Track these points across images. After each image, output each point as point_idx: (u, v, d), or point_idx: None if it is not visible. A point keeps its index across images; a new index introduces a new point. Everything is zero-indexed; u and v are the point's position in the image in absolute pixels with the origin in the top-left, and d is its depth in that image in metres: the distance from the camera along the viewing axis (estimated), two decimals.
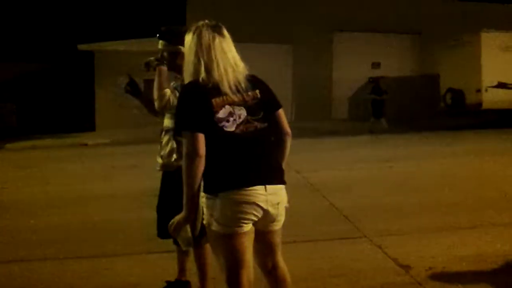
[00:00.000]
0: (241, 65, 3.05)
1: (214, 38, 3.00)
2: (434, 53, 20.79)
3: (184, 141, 2.91)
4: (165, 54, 4.07)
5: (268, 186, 2.91)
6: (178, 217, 3.01)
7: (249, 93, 3.01)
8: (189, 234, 3.14)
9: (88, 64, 21.92)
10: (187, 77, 3.04)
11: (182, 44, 3.78)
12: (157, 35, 4.12)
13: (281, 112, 3.14)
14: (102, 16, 26.75)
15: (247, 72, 3.06)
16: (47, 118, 23.38)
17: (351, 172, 9.28)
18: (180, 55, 3.89)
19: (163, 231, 4.10)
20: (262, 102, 3.03)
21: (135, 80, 4.55)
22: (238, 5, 20.50)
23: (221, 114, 2.91)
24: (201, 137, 2.88)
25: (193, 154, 2.87)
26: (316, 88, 21.41)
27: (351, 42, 22.18)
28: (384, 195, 7.42)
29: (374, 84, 18.83)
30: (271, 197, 2.93)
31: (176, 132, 3.09)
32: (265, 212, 2.91)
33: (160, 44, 4.10)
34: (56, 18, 26.99)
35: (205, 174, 2.93)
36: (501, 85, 17.85)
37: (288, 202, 3.10)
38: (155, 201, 4.26)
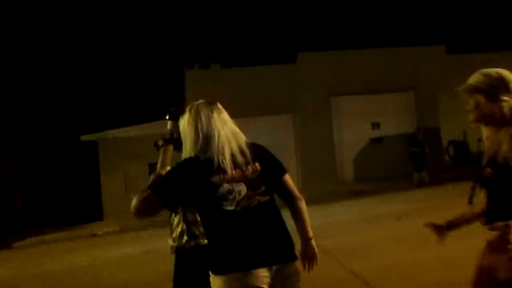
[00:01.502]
0: (240, 135, 3.03)
1: (212, 112, 3.01)
2: (431, 107, 20.92)
3: (140, 193, 2.95)
4: (174, 134, 4.07)
5: (273, 267, 2.81)
6: None
7: (249, 166, 2.93)
8: None
9: (92, 154, 22.10)
10: (186, 155, 3.00)
11: None
12: (167, 115, 4.15)
13: (287, 177, 3.09)
14: (102, 105, 27.23)
15: (247, 140, 3.03)
16: (53, 210, 23.34)
17: (367, 234, 9.17)
18: None
19: None
20: (263, 174, 2.96)
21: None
22: (235, 82, 20.83)
23: (220, 192, 2.83)
24: (154, 204, 2.90)
25: (132, 210, 2.93)
26: (319, 153, 21.44)
27: (349, 105, 22.35)
28: (401, 254, 7.30)
29: (412, 136, 18.44)
30: (277, 277, 2.82)
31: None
32: None
33: (169, 124, 4.13)
34: (57, 112, 27.46)
35: (208, 252, 2.91)
36: None
37: (303, 273, 3.03)
38: (171, 286, 4.19)
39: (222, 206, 2.82)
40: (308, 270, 3.19)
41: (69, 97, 27.78)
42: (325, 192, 18.13)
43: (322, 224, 11.05)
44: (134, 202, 2.89)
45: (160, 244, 9.59)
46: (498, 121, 2.94)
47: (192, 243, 3.93)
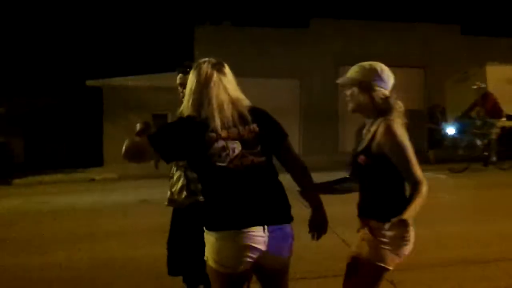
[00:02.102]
0: (242, 100, 3.01)
1: (211, 75, 2.97)
2: (440, 87, 20.82)
3: (132, 141, 2.92)
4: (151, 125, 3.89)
5: (267, 227, 2.82)
6: None
7: (246, 127, 2.93)
8: None
9: (96, 100, 22.09)
10: (184, 112, 3.03)
11: None
12: (182, 69, 4.15)
13: (288, 142, 3.09)
14: (110, 52, 27.08)
15: (249, 105, 3.01)
16: (55, 153, 23.49)
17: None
18: None
19: (173, 269, 4.08)
20: (261, 136, 2.95)
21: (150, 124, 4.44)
22: (245, 41, 20.69)
23: (213, 148, 2.84)
24: (147, 151, 2.85)
25: (127, 153, 2.86)
26: (323, 122, 21.44)
27: None
28: None
29: (429, 112, 18.17)
30: (272, 238, 2.82)
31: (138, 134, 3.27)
32: (265, 253, 2.82)
33: (179, 78, 4.15)
34: (65, 54, 27.35)
35: (203, 209, 2.92)
36: (508, 117, 17.81)
37: (296, 237, 3.06)
38: (165, 238, 4.23)
39: (215, 162, 2.83)
40: (316, 239, 3.19)
41: (79, 42, 27.64)
42: (326, 161, 18.16)
43: None
44: (126, 143, 2.88)
45: (157, 194, 9.67)
46: (371, 111, 3.16)
47: (191, 200, 3.97)
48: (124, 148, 2.86)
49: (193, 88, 2.98)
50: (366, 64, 3.28)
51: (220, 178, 2.83)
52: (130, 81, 21.44)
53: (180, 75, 4.16)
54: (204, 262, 2.93)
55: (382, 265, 3.00)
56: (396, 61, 21.78)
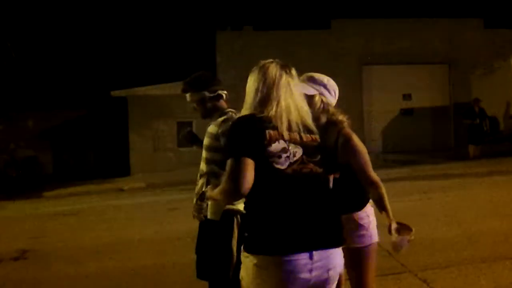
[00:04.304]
0: (306, 107, 2.79)
1: (281, 76, 2.73)
2: (465, 82, 20.65)
3: (226, 171, 2.52)
4: (194, 105, 4.01)
5: (315, 252, 2.47)
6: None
7: (307, 134, 2.69)
8: None
9: (121, 110, 22.28)
10: (243, 112, 2.74)
11: (207, 88, 3.84)
12: (182, 89, 4.09)
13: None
14: (133, 62, 27.30)
15: (310, 118, 2.78)
16: (82, 165, 23.75)
17: (392, 206, 9.12)
18: (207, 99, 3.94)
19: (201, 272, 4.08)
20: (322, 147, 2.74)
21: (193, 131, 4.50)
22: (268, 45, 20.69)
23: (273, 148, 2.54)
24: (250, 167, 2.47)
25: (232, 190, 2.47)
26: (350, 121, 21.35)
27: (380, 75, 22.17)
28: (426, 228, 7.29)
29: (468, 108, 17.88)
30: (319, 264, 2.49)
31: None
32: (308, 280, 2.47)
33: (188, 96, 4.07)
34: (90, 66, 27.64)
35: (243, 224, 2.70)
36: None
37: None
38: (194, 244, 4.24)
39: (273, 163, 2.52)
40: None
41: (102, 53, 27.90)
42: None
43: None
44: (222, 186, 2.55)
45: (185, 201, 9.71)
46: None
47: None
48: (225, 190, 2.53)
49: (260, 87, 2.69)
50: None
51: (275, 182, 2.52)
52: (154, 90, 21.60)
53: (189, 94, 4.01)
54: (228, 271, 2.79)
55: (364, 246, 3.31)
56: (419, 58, 21.75)
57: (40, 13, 27.33)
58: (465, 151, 17.52)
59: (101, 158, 24.09)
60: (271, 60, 2.81)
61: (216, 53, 21.64)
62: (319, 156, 2.68)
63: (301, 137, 2.65)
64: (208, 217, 3.88)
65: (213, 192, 2.72)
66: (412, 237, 3.04)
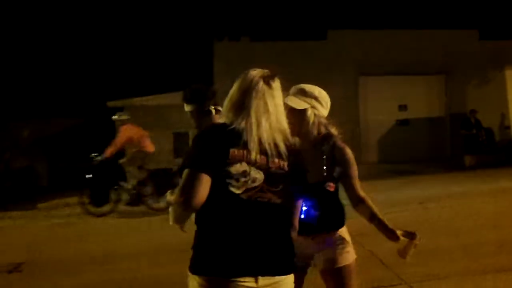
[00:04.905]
0: (282, 126, 2.57)
1: (256, 84, 2.56)
2: (461, 92, 20.70)
3: (181, 180, 2.41)
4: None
5: (261, 278, 2.39)
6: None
7: (276, 160, 2.50)
8: None
9: None
10: (220, 121, 2.65)
11: (198, 102, 3.98)
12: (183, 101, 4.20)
13: (297, 205, 2.70)
14: (129, 72, 27.31)
15: (290, 139, 2.59)
16: (78, 175, 23.66)
17: (387, 216, 9.11)
18: (198, 112, 4.01)
19: None
20: (286, 177, 2.53)
21: None
22: (265, 56, 20.72)
23: (233, 169, 2.40)
24: (205, 183, 2.36)
25: (183, 202, 2.38)
26: (344, 132, 21.36)
27: (377, 85, 22.20)
28: (423, 238, 7.26)
29: (464, 119, 18.13)
30: None
31: (179, 171, 2.50)
32: None
33: (187, 107, 4.17)
34: (85, 76, 27.63)
35: (194, 244, 2.49)
36: None
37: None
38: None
39: (229, 185, 2.40)
40: None
41: (99, 62, 27.91)
42: None
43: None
44: (174, 196, 2.48)
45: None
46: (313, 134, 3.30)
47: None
48: (177, 201, 2.45)
49: (233, 94, 2.58)
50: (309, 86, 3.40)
51: (226, 205, 2.41)
52: (151, 100, 21.58)
53: (190, 105, 4.14)
54: None
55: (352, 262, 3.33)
56: (415, 69, 21.80)
57: (37, 23, 27.35)
58: (461, 161, 17.59)
59: (97, 168, 24.00)
60: (257, 71, 2.65)
61: (214, 63, 21.66)
62: (281, 186, 2.49)
63: (268, 162, 2.48)
64: (170, 222, 3.90)
65: (171, 198, 2.65)
66: (418, 242, 3.10)
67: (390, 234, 3.16)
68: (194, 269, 2.43)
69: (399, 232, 3.13)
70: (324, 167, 3.15)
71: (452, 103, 21.97)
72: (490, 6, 26.45)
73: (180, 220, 2.77)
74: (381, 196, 11.85)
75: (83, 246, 9.13)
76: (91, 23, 28.90)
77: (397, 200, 10.97)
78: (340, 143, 3.33)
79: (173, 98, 20.52)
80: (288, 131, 2.59)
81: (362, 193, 3.27)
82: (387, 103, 22.06)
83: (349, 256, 3.33)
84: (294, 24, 26.27)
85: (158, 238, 9.28)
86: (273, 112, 2.54)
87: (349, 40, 21.89)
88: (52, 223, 12.37)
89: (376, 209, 3.28)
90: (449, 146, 21.63)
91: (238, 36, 22.35)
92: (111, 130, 23.64)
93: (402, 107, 22.48)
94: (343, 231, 3.37)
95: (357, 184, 3.28)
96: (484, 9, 26.09)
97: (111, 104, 21.93)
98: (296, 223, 2.66)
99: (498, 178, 13.43)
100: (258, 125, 2.47)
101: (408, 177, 16.04)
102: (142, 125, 21.15)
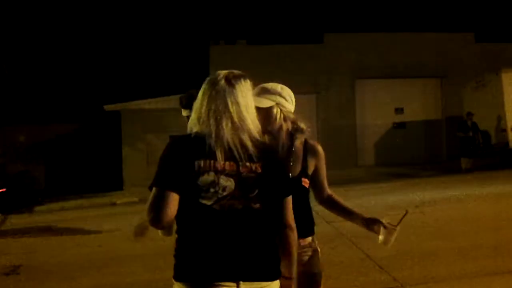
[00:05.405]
0: (249, 125, 2.43)
1: (217, 83, 2.46)
2: (457, 95, 20.74)
3: (149, 197, 2.36)
4: None
5: (242, 283, 2.33)
6: None
7: (247, 163, 2.37)
8: None
9: (115, 123, 22.25)
10: (188, 128, 2.56)
11: (190, 107, 3.92)
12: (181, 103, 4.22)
13: (287, 201, 2.48)
14: (126, 75, 27.29)
15: (257, 137, 2.44)
16: (75, 179, 23.63)
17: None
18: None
19: None
20: (262, 180, 2.39)
21: None
22: (261, 59, 20.76)
23: (201, 180, 2.32)
24: (173, 201, 2.31)
25: (151, 220, 2.32)
26: (341, 136, 21.41)
27: (373, 88, 22.26)
28: (419, 242, 7.30)
29: (461, 121, 18.17)
30: None
31: (149, 188, 2.42)
32: None
33: (183, 112, 4.20)
34: (82, 80, 27.60)
35: (175, 252, 2.44)
36: None
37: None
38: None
39: (198, 197, 2.32)
40: None
41: (96, 67, 27.90)
42: (345, 175, 18.10)
43: None
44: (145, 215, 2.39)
45: None
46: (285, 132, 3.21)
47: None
48: (148, 219, 2.37)
49: (199, 102, 2.47)
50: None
51: (200, 218, 2.34)
52: (147, 103, 21.60)
53: (187, 110, 4.17)
54: None
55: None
56: (411, 72, 21.85)
57: (33, 28, 27.35)
58: (457, 164, 17.62)
59: (94, 172, 23.98)
60: (222, 72, 2.56)
61: (210, 66, 21.68)
62: (256, 191, 2.37)
63: (238, 167, 2.36)
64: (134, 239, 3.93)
65: (137, 219, 2.66)
66: (386, 222, 3.08)
67: (370, 222, 3.20)
68: (176, 276, 2.39)
69: (382, 220, 3.10)
70: (297, 164, 3.11)
71: (449, 106, 22.03)
72: (486, 9, 26.56)
73: (166, 233, 2.76)
74: (378, 199, 11.87)
75: (80, 250, 9.12)
76: (88, 28, 28.90)
77: (393, 203, 10.97)
78: (311, 140, 3.31)
79: (170, 101, 20.54)
80: (256, 129, 2.45)
81: (329, 190, 3.25)
82: (384, 106, 22.12)
83: (318, 264, 3.17)
84: (290, 28, 26.29)
85: (155, 242, 9.26)
86: (235, 111, 2.40)
87: (346, 44, 21.94)
88: (49, 227, 12.34)
89: (345, 203, 3.24)
90: (445, 149, 21.71)
91: (234, 40, 22.39)
92: (108, 133, 23.69)
93: (399, 110, 22.53)
94: (314, 238, 3.17)
95: (325, 181, 3.26)
96: (480, 12, 26.18)
97: (108, 108, 21.94)
98: (292, 222, 2.49)
99: (494, 181, 13.43)
100: (219, 127, 2.37)
101: (405, 180, 16.04)
102: (139, 129, 21.29)
